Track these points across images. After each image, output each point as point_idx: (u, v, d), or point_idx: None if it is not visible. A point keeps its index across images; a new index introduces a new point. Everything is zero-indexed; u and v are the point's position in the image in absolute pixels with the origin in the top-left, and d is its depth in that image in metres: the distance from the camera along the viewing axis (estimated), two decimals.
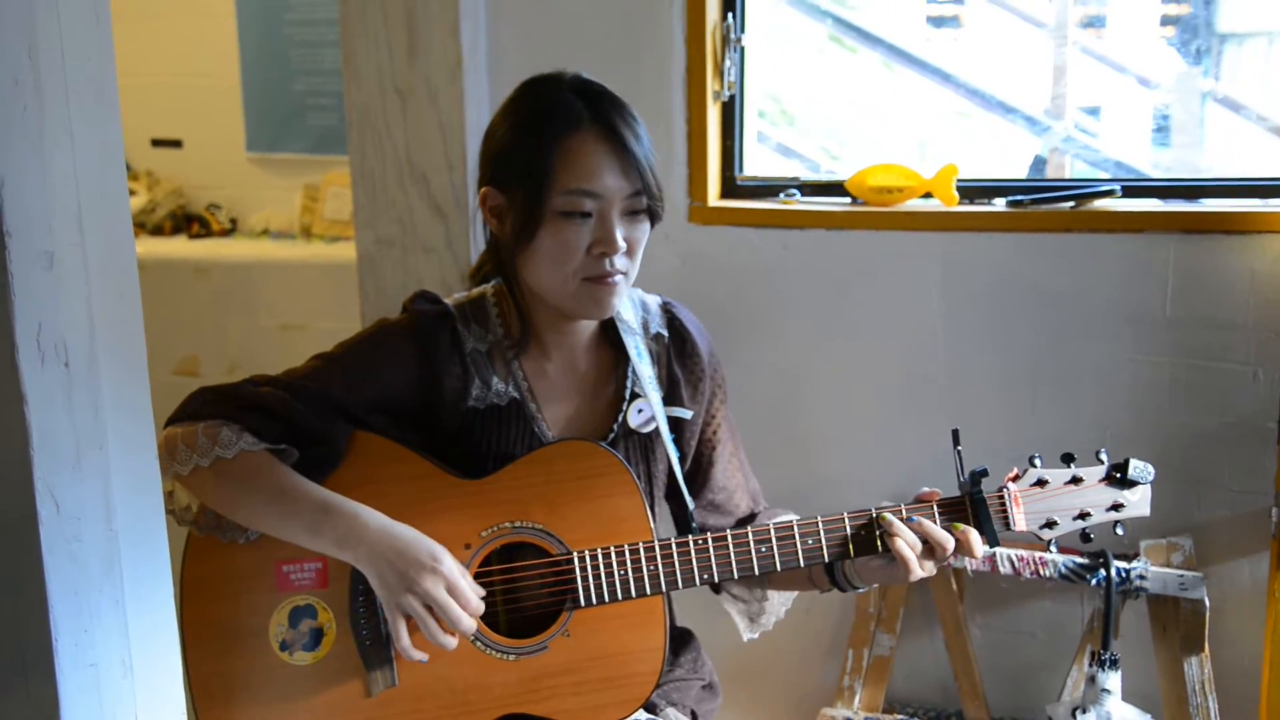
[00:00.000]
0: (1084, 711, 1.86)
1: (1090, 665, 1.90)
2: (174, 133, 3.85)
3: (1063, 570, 1.96)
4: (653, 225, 1.49)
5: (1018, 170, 2.67)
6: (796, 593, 1.68)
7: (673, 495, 1.63)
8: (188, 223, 3.77)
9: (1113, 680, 1.87)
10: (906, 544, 1.41)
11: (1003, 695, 2.17)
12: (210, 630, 1.45)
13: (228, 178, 3.80)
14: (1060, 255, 2.04)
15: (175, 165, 3.86)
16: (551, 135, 1.42)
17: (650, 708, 1.58)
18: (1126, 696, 1.93)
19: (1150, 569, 1.93)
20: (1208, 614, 1.91)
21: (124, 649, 1.13)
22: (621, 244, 1.44)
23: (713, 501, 1.66)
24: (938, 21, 2.91)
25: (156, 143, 3.87)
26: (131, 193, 3.74)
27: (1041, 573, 1.97)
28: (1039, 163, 2.79)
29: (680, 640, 1.70)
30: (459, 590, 1.38)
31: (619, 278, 1.45)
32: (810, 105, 2.81)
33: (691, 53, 2.17)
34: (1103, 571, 1.92)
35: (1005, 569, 1.98)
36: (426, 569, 1.37)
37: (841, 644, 2.18)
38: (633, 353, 1.57)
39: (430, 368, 1.50)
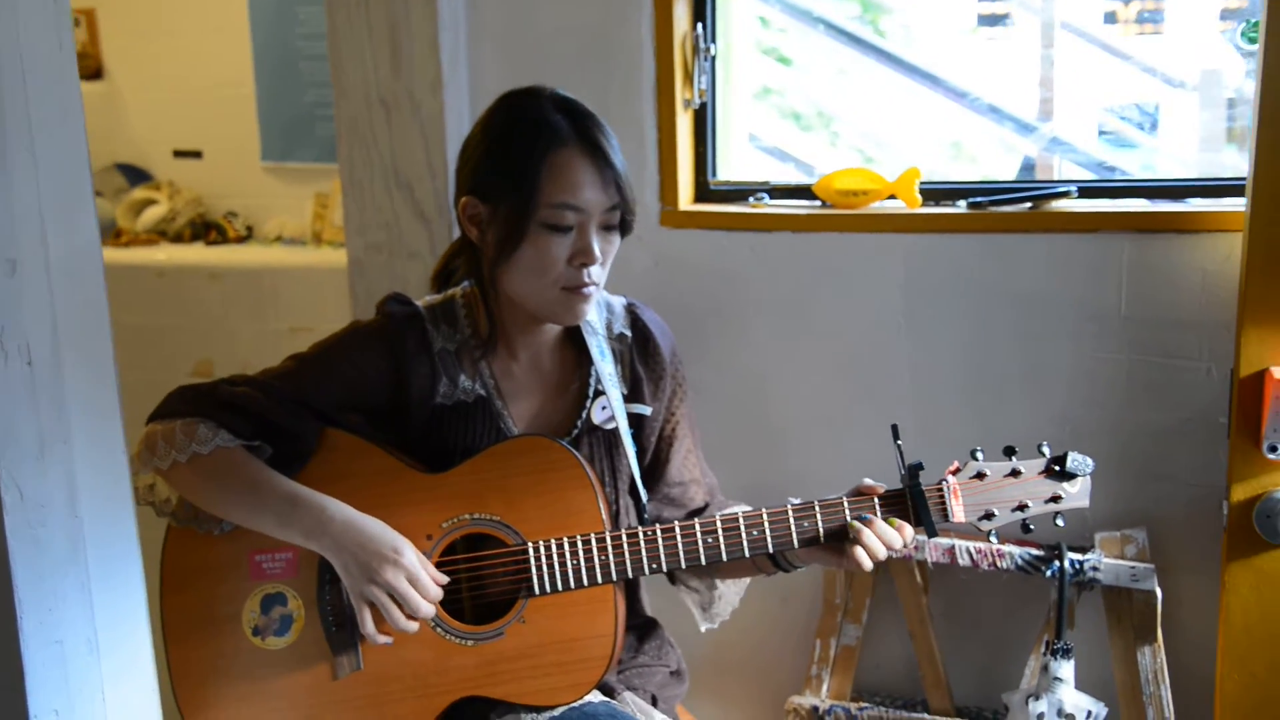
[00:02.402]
0: (1036, 699, 1.90)
1: (1044, 654, 1.94)
2: (195, 144, 3.95)
3: (1019, 562, 2.00)
4: (623, 237, 1.57)
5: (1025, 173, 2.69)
6: (748, 580, 1.74)
7: (636, 488, 1.70)
8: (206, 230, 3.86)
9: (1065, 669, 1.92)
10: (866, 552, 1.48)
11: (966, 684, 2.21)
12: (188, 616, 1.53)
13: (244, 186, 3.87)
14: (1019, 255, 2.07)
15: (195, 175, 3.95)
16: (539, 151, 1.48)
17: (608, 691, 1.64)
18: (1084, 685, 1.97)
19: (1104, 561, 1.97)
20: (1159, 605, 1.94)
21: (89, 628, 1.21)
22: (599, 255, 1.51)
23: (668, 495, 1.72)
24: (991, 20, 2.93)
25: (178, 154, 3.97)
26: (153, 202, 3.86)
27: (999, 565, 2.02)
28: (1028, 164, 2.83)
29: (645, 629, 1.75)
30: (418, 580, 1.46)
31: (593, 287, 1.53)
32: (843, 108, 2.84)
33: (661, 62, 2.23)
34: (1057, 563, 1.97)
35: (964, 561, 2.03)
36: (388, 560, 1.45)
37: (812, 636, 2.24)
38: (595, 353, 1.63)
39: (399, 366, 1.57)
